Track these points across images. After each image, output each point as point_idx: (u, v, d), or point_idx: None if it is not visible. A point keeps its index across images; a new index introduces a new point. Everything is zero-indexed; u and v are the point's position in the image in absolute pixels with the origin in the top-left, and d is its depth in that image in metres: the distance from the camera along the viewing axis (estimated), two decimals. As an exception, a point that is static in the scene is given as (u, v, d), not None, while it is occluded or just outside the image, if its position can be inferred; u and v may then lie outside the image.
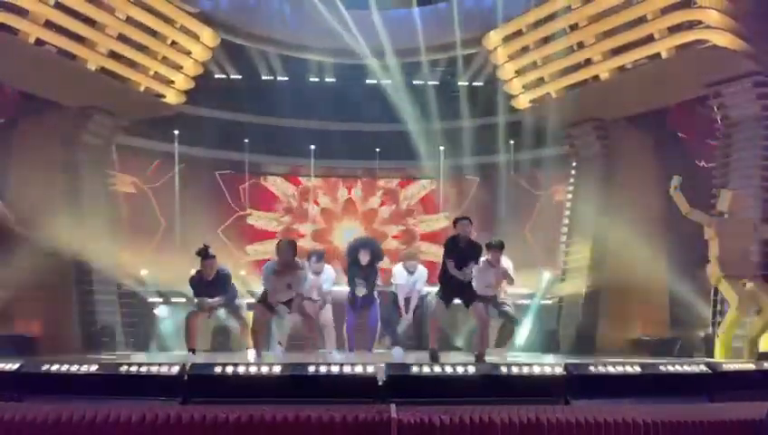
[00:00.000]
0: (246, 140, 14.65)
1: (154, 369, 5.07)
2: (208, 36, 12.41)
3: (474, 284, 7.51)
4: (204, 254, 8.09)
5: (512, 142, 14.05)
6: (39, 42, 10.19)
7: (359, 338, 9.05)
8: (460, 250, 7.21)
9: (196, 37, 12.28)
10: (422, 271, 8.84)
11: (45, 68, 10.59)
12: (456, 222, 7.46)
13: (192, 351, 8.09)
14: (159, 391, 4.97)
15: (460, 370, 5.22)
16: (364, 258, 8.52)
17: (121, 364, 5.24)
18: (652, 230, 11.05)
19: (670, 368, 5.65)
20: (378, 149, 14.94)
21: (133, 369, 5.12)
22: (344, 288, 8.97)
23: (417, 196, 16.30)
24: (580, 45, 11.68)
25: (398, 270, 8.85)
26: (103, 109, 12.05)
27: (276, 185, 15.98)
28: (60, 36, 10.42)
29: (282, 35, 13.14)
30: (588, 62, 11.65)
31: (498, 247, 8.29)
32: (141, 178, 14.38)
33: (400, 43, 13.15)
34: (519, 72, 12.77)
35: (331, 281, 8.65)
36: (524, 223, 14.77)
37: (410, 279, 8.74)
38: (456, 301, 7.46)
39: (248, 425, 4.34)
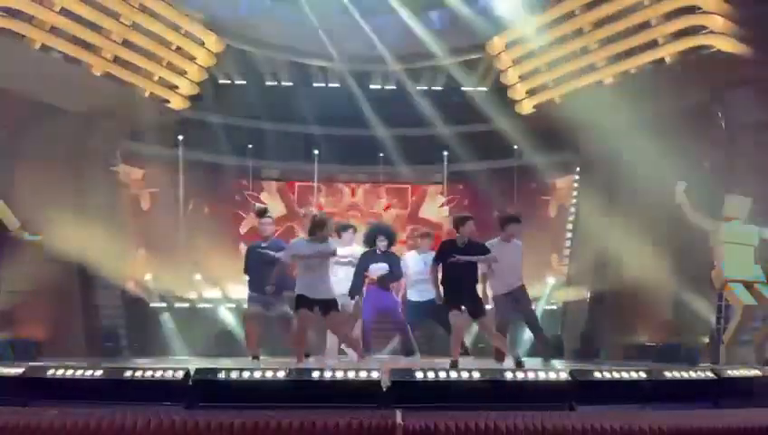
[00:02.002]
0: (250, 146, 14.67)
1: (158, 374, 5.07)
2: (213, 42, 12.45)
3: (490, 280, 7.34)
4: (262, 212, 7.99)
5: (515, 147, 14.04)
6: (44, 47, 10.23)
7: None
8: (459, 251, 7.00)
9: (200, 43, 12.32)
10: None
11: (50, 73, 10.63)
12: (460, 222, 7.11)
13: (255, 357, 7.71)
14: (164, 397, 4.97)
15: (465, 375, 5.21)
16: (381, 244, 8.41)
17: (126, 369, 5.24)
18: (656, 235, 11.01)
19: (675, 374, 5.63)
20: (382, 154, 14.94)
21: (138, 374, 5.13)
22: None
23: (424, 202, 16.26)
24: (584, 50, 11.69)
25: (410, 255, 8.80)
26: (109, 114, 12.09)
27: (268, 195, 15.88)
28: (65, 42, 10.47)
29: (286, 41, 13.17)
30: (591, 67, 11.65)
31: (513, 220, 7.89)
32: (145, 182, 14.40)
33: (404, 48, 13.17)
34: (522, 78, 12.77)
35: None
36: (528, 228, 14.73)
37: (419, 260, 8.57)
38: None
39: (253, 430, 4.33)
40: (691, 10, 10.16)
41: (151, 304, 12.40)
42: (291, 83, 14.89)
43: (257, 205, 8.16)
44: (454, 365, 6.78)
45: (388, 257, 8.42)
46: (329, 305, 7.09)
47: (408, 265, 8.59)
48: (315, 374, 5.07)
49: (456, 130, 14.32)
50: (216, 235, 14.21)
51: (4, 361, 7.55)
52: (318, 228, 7.05)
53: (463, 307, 7.10)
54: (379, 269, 8.30)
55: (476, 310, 7.11)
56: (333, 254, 7.23)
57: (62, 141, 11.71)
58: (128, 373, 5.16)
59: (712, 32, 9.91)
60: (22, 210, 10.22)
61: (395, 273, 8.38)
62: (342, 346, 8.48)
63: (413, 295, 8.57)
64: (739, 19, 9.84)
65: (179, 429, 4.32)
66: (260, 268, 7.69)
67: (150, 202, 14.27)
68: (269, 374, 5.07)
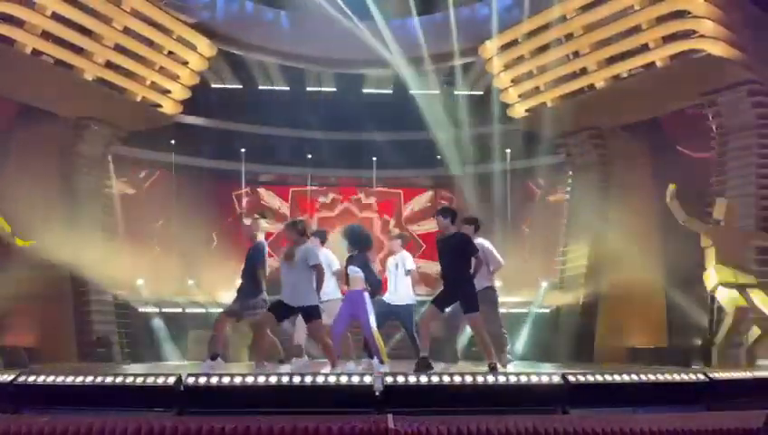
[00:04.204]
0: (243, 150, 14.66)
1: (150, 380, 5.05)
2: (205, 46, 12.42)
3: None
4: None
5: (508, 151, 14.08)
6: (36, 52, 10.20)
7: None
8: (439, 248, 6.99)
9: (192, 47, 12.29)
10: (404, 255, 8.44)
11: (42, 78, 10.59)
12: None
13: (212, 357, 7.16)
14: (155, 403, 4.95)
15: (457, 380, 5.20)
16: (345, 247, 8.04)
17: (117, 375, 5.22)
18: (649, 239, 11.06)
19: (668, 377, 5.64)
20: (375, 159, 14.96)
21: (129, 380, 5.10)
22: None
23: (419, 205, 16.27)
24: (576, 55, 11.73)
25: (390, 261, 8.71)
26: (100, 119, 12.05)
27: (267, 197, 15.87)
28: (57, 46, 10.43)
29: (279, 45, 13.17)
30: (583, 71, 11.69)
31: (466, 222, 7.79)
32: (138, 187, 14.37)
33: (396, 53, 13.18)
34: (515, 82, 12.80)
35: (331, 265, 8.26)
36: (521, 232, 14.77)
37: (393, 262, 8.42)
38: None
39: (245, 436, 4.32)
40: (681, 14, 10.21)
41: (143, 310, 12.33)
42: (284, 87, 14.91)
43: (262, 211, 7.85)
44: (421, 365, 6.62)
45: (359, 260, 8.31)
46: (309, 313, 6.99)
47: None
48: (307, 379, 5.06)
49: (450, 134, 14.35)
50: (208, 239, 14.19)
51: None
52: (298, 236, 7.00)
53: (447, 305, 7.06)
54: (354, 272, 8.20)
55: (465, 306, 6.86)
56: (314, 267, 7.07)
57: (54, 147, 11.68)
58: (119, 379, 5.13)
59: (702, 36, 9.95)
60: (13, 216, 10.21)
61: (366, 277, 8.24)
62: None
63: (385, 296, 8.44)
64: (729, 23, 9.89)
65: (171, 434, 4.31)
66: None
67: (142, 207, 14.25)
68: (261, 380, 5.06)
